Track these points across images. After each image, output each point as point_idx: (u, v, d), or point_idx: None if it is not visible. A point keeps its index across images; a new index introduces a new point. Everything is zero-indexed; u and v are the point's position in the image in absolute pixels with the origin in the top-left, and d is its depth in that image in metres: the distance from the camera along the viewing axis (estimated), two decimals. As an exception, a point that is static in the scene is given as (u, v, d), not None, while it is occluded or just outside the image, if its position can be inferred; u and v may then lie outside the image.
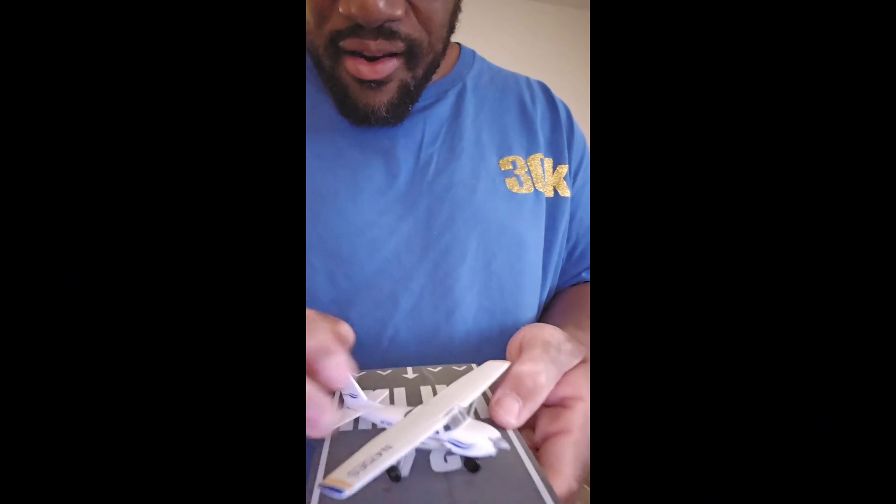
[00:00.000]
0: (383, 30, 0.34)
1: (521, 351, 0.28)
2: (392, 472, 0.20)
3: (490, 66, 0.51)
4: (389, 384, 0.30)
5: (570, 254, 0.49)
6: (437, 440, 0.21)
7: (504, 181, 0.44)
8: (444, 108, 0.45)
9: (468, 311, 0.41)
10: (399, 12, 0.34)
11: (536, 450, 0.26)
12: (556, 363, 0.27)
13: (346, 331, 0.28)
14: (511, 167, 0.45)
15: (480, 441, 0.20)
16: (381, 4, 0.32)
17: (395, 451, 0.19)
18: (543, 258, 0.46)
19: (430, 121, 0.44)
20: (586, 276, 0.50)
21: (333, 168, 0.40)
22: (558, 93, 0.52)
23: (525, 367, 0.26)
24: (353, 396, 0.25)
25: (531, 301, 0.44)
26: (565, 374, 0.27)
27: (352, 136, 0.41)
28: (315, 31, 0.37)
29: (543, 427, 0.27)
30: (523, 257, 0.43)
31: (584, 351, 0.29)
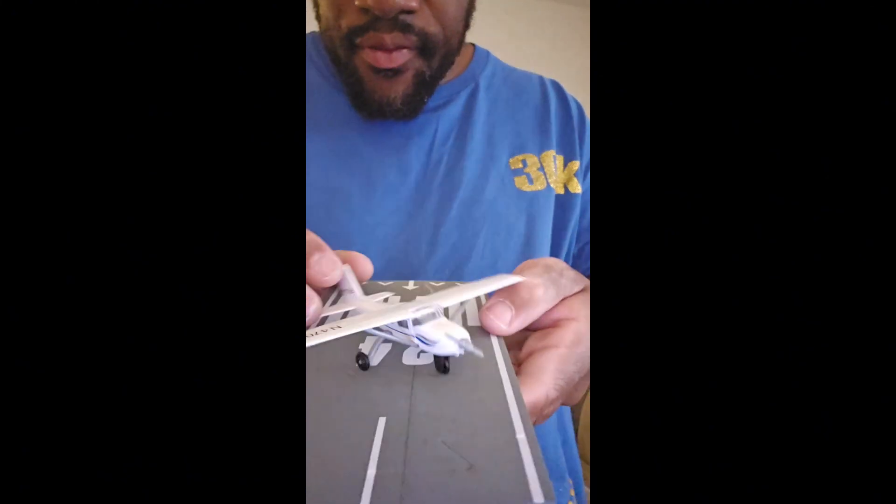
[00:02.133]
0: (398, 22, 0.35)
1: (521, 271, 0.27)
2: (360, 361, 0.21)
3: (504, 66, 0.52)
4: (388, 291, 0.31)
5: (580, 251, 0.49)
6: (405, 334, 0.21)
7: (513, 180, 0.45)
8: (455, 109, 0.46)
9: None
10: (414, 3, 0.34)
11: (518, 364, 0.25)
12: (557, 284, 0.26)
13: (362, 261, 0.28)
14: (521, 165, 0.45)
15: (443, 339, 0.20)
16: None
17: (355, 323, 0.20)
18: (551, 253, 0.46)
19: (443, 121, 0.45)
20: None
21: (349, 165, 0.41)
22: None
23: (523, 279, 0.25)
24: (350, 292, 0.27)
25: None
26: (565, 300, 0.27)
27: (367, 134, 0.42)
28: (333, 27, 0.37)
29: (531, 344, 0.26)
30: (529, 256, 0.43)
31: (586, 282, 0.29)
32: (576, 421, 1.53)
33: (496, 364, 0.21)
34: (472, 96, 0.47)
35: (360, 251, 0.39)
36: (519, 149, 0.46)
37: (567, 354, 0.25)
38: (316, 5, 0.39)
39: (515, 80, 0.50)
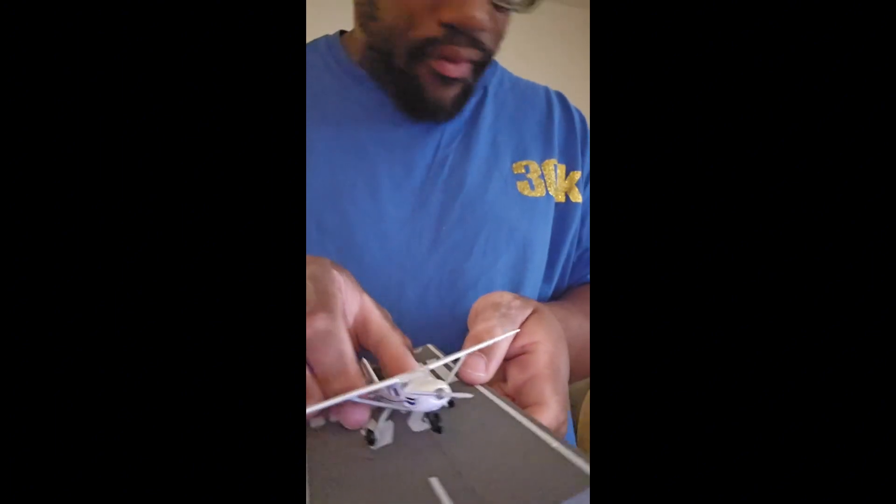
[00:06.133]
0: (474, 40, 0.38)
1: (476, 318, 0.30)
2: (369, 437, 0.21)
3: (511, 76, 0.53)
4: None
5: (580, 257, 0.51)
6: (398, 400, 0.22)
7: (515, 184, 0.46)
8: (463, 113, 0.47)
9: (471, 304, 0.42)
10: (489, 23, 0.38)
11: (512, 399, 0.28)
12: (508, 317, 0.29)
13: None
14: (524, 171, 0.47)
15: (421, 396, 0.21)
16: (482, 16, 0.36)
17: (349, 394, 0.21)
18: (550, 259, 0.47)
19: (450, 123, 0.46)
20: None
21: (354, 161, 0.43)
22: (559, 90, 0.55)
23: (480, 327, 0.28)
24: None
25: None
26: (522, 326, 0.30)
27: (375, 132, 0.44)
28: (399, 34, 0.39)
29: (514, 376, 0.29)
30: (528, 258, 0.44)
31: (534, 304, 0.32)
32: (575, 421, 1.53)
33: (496, 405, 0.23)
34: (481, 102, 0.49)
35: (362, 243, 0.40)
36: (522, 155, 0.47)
37: (550, 375, 0.28)
38: (375, 7, 0.40)
39: (522, 90, 0.52)
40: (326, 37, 0.50)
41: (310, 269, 0.25)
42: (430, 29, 0.38)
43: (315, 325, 0.23)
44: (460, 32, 0.37)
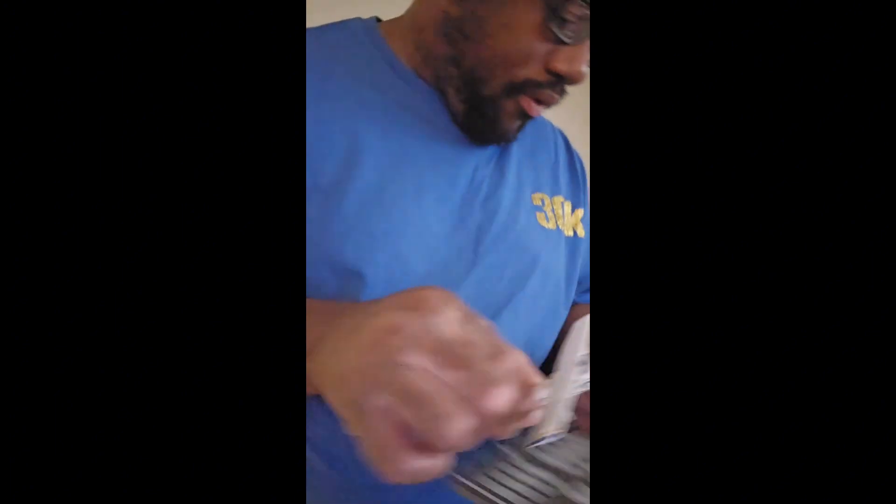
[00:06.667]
0: (564, 90, 0.42)
1: None
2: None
3: None
4: None
5: (580, 284, 0.54)
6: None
7: (535, 214, 0.48)
8: None
9: (500, 327, 0.43)
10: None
11: None
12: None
13: None
14: (540, 203, 0.49)
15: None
16: (585, 70, 0.40)
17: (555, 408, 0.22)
18: (565, 288, 0.50)
19: (485, 147, 0.47)
20: (577, 298, 0.55)
21: (400, 167, 0.42)
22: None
23: None
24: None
25: (553, 327, 0.48)
26: None
27: (423, 141, 0.44)
28: (503, 67, 0.40)
29: None
30: (546, 285, 0.47)
31: None
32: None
33: None
34: None
35: (408, 254, 0.41)
36: (538, 188, 0.50)
37: None
38: (482, 32, 0.40)
39: (535, 123, 0.53)
40: (363, 22, 0.47)
41: (460, 312, 0.23)
42: (536, 72, 0.40)
43: (511, 365, 0.22)
44: (561, 82, 0.40)
